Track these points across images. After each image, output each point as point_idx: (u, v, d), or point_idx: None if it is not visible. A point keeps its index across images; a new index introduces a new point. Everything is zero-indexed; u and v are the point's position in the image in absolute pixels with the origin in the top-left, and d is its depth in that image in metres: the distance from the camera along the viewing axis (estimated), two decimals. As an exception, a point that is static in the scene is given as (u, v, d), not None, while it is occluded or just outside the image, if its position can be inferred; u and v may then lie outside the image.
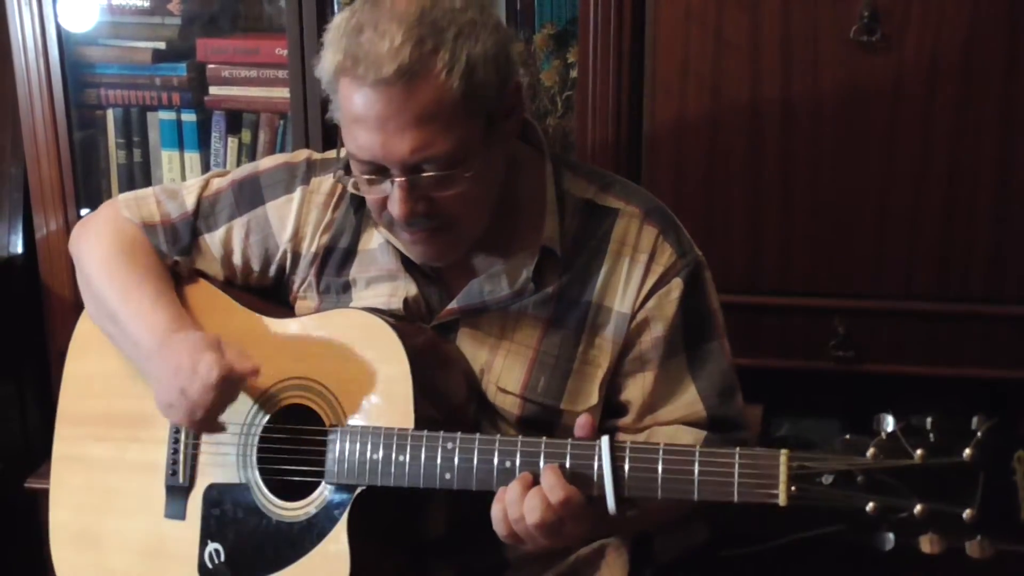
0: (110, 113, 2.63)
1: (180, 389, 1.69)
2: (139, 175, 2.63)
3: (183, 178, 2.60)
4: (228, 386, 1.68)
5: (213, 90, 2.58)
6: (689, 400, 1.77)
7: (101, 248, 1.90)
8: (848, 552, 2.29)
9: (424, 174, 1.61)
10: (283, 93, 2.49)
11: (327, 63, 1.63)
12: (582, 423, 1.61)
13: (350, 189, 1.75)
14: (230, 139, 2.58)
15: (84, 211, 2.59)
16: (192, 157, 2.61)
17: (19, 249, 2.74)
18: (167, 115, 2.60)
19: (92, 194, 2.64)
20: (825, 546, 2.26)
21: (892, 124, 2.22)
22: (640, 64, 2.29)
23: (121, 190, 2.62)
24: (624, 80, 2.29)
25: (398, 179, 1.61)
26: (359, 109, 1.59)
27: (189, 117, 2.60)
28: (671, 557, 1.89)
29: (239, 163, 2.57)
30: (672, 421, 1.77)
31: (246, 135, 2.57)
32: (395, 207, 1.64)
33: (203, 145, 2.60)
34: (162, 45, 2.59)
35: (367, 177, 1.65)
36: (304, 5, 2.35)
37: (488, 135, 1.65)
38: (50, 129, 2.53)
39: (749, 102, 2.25)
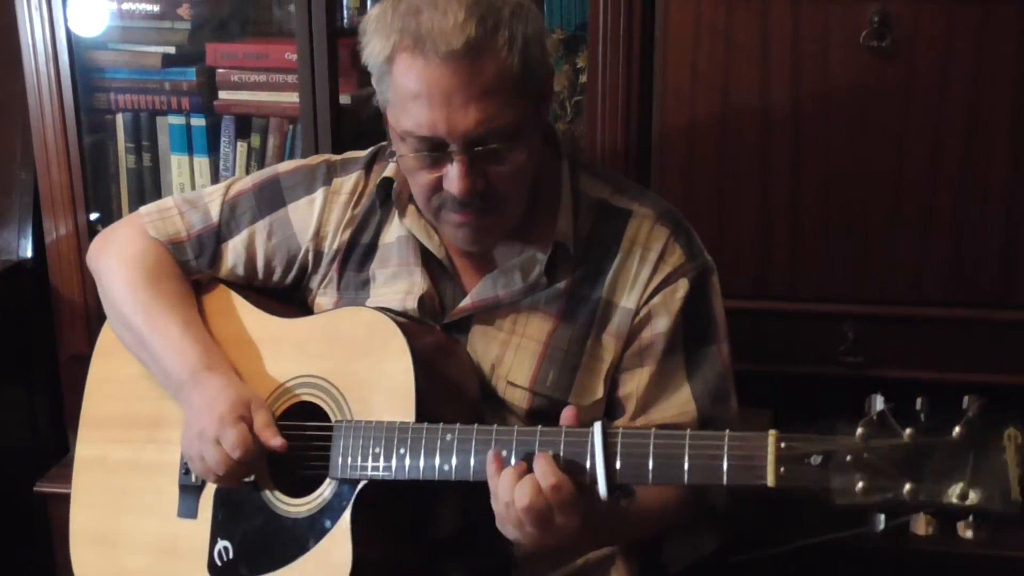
0: (120, 118, 2.62)
1: (200, 455, 1.73)
2: (148, 180, 2.63)
3: (192, 183, 2.60)
4: (250, 462, 1.72)
5: (223, 95, 2.58)
6: (682, 400, 1.78)
7: (124, 273, 1.91)
8: (859, 557, 2.29)
9: (485, 147, 1.63)
10: (293, 98, 2.49)
11: (378, 47, 1.65)
12: (567, 415, 1.59)
13: (401, 166, 1.76)
14: (239, 144, 2.58)
15: (93, 216, 2.59)
16: (201, 162, 2.61)
17: (29, 253, 2.74)
18: (176, 120, 2.60)
19: (102, 199, 2.64)
20: (836, 551, 2.25)
21: (902, 129, 2.22)
22: (650, 69, 2.29)
23: (130, 195, 2.64)
24: (634, 85, 2.29)
25: (459, 155, 1.63)
26: (421, 85, 1.61)
27: (199, 122, 2.59)
28: (681, 567, 1.88)
29: (248, 168, 2.57)
30: (664, 421, 1.77)
31: (255, 140, 2.57)
32: (455, 184, 1.65)
33: (212, 150, 2.60)
34: (172, 50, 2.58)
35: (423, 155, 1.66)
36: (314, 10, 2.34)
37: (536, 114, 1.70)
38: (60, 134, 2.53)
39: (759, 107, 2.25)
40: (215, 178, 2.59)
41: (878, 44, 2.17)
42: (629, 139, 2.32)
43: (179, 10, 2.56)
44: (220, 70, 2.57)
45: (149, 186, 2.63)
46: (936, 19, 2.15)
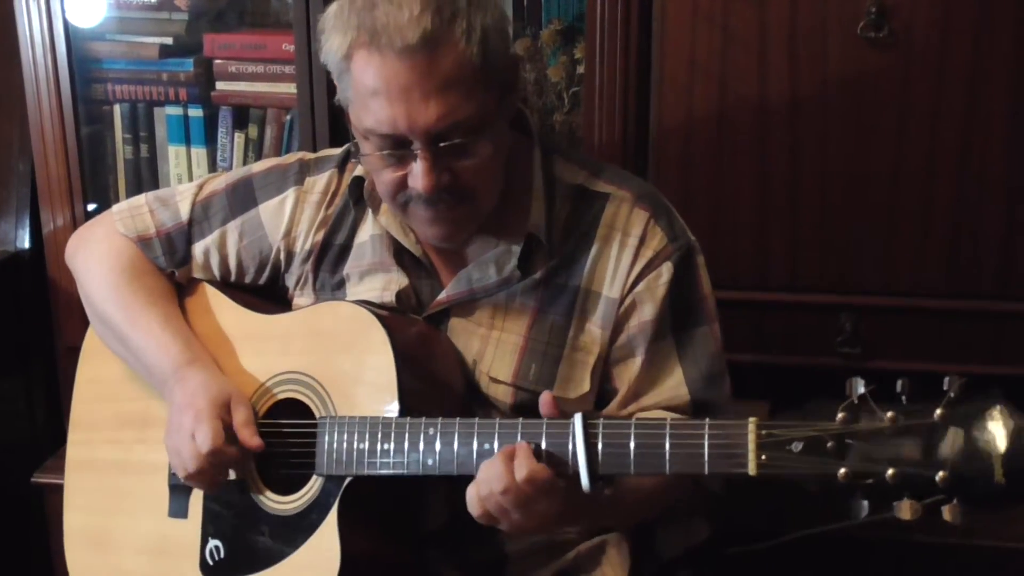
0: (117, 108, 2.62)
1: (176, 449, 1.74)
2: (146, 170, 2.63)
3: (190, 174, 2.60)
4: (224, 459, 1.72)
5: (220, 85, 2.57)
6: (673, 384, 1.76)
7: (101, 271, 1.91)
8: (856, 549, 2.29)
9: (447, 142, 1.60)
10: (290, 88, 2.49)
11: (335, 44, 1.62)
12: (544, 400, 1.57)
13: (364, 166, 1.74)
14: (237, 134, 2.58)
15: (91, 206, 2.59)
16: (199, 152, 2.61)
17: (26, 244, 2.74)
18: (174, 110, 2.60)
19: (99, 189, 2.64)
20: (832, 543, 2.25)
21: (900, 120, 2.21)
22: (647, 60, 2.28)
23: (128, 185, 2.63)
24: (631, 76, 2.28)
25: (422, 152, 1.61)
26: (380, 81, 1.58)
27: (196, 112, 2.59)
28: (673, 554, 1.88)
29: (246, 159, 2.56)
30: (655, 405, 1.76)
31: (253, 130, 2.57)
32: (419, 181, 1.63)
33: (210, 141, 2.60)
34: (169, 40, 2.58)
35: (386, 153, 1.64)
36: (311, 0, 2.34)
37: (500, 105, 1.66)
38: (57, 124, 2.53)
39: (757, 98, 2.24)
40: (212, 169, 2.59)
41: (875, 35, 2.16)
42: (627, 130, 2.31)
43: (176, 1, 2.56)
44: (217, 61, 2.57)
45: (146, 177, 2.63)
46: (933, 9, 2.15)
